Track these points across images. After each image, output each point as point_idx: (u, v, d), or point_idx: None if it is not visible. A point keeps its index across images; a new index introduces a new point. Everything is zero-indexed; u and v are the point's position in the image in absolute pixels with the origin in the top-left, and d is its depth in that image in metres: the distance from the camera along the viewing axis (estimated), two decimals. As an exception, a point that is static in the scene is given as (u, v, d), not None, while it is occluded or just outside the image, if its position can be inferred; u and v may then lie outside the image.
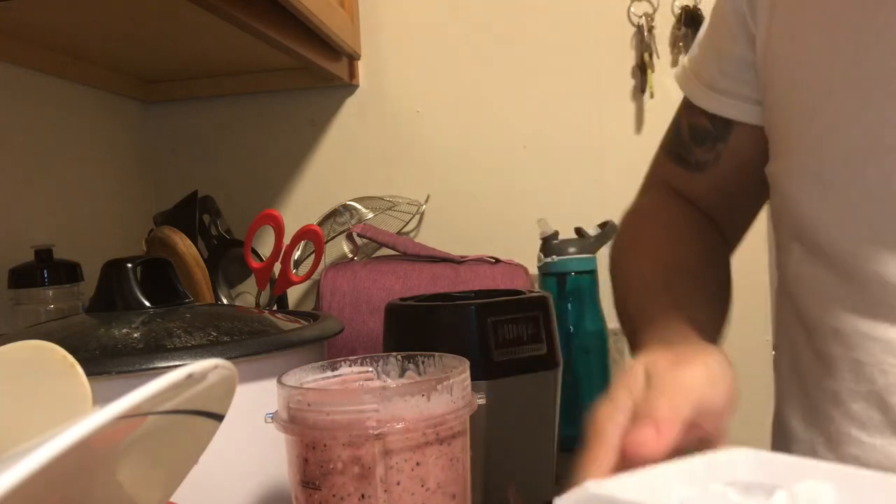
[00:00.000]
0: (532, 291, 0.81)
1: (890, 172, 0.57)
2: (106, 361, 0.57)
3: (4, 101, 1.02)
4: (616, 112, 1.25)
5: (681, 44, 1.22)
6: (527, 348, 0.74)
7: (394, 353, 0.57)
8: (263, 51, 1.04)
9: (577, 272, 1.06)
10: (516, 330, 0.73)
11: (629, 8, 1.23)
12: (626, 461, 0.45)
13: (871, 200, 0.59)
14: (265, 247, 1.17)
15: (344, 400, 0.49)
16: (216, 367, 0.35)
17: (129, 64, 1.22)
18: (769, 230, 1.18)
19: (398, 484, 0.48)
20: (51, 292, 0.92)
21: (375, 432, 0.48)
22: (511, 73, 1.27)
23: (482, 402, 0.53)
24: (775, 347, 1.25)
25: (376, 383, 0.57)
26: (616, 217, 1.11)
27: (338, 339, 0.79)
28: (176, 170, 1.35)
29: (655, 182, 0.80)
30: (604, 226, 1.09)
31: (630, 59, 1.24)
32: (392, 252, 1.13)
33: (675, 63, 1.23)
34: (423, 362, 0.56)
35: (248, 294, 1.19)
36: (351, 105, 1.31)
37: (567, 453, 0.99)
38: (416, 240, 1.25)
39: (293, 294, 1.31)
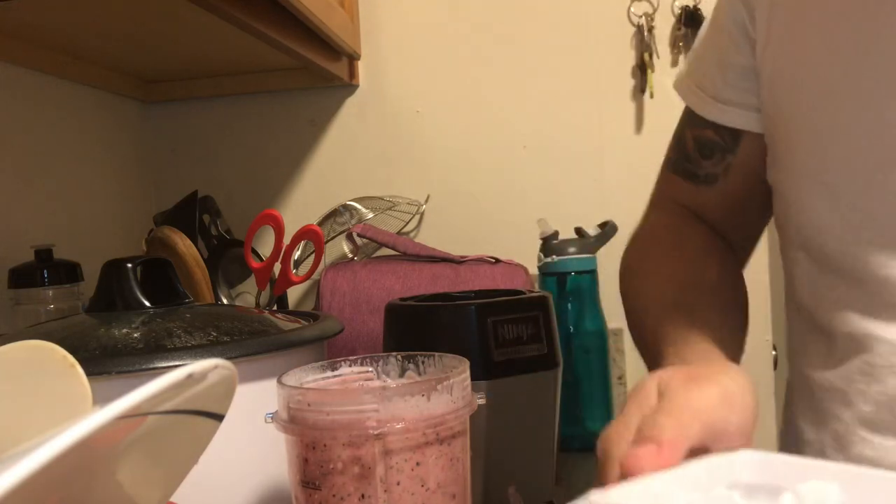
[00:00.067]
0: (532, 291, 0.81)
1: None
2: (106, 361, 0.57)
3: (4, 101, 1.02)
4: (616, 112, 1.25)
5: (681, 44, 1.22)
6: (527, 348, 0.74)
7: (394, 353, 0.57)
8: (263, 51, 1.04)
9: (577, 272, 1.06)
10: (516, 330, 0.73)
11: (629, 8, 1.23)
12: (624, 477, 0.42)
13: (878, 203, 0.59)
14: (265, 247, 1.17)
15: (344, 400, 0.49)
16: (216, 367, 0.35)
17: (129, 64, 1.22)
18: (769, 231, 1.18)
19: (398, 484, 0.48)
20: (51, 292, 0.92)
21: (375, 432, 0.48)
22: (511, 73, 1.27)
23: (482, 402, 0.53)
24: (775, 347, 1.26)
25: (376, 383, 0.57)
26: (616, 217, 1.12)
27: (338, 339, 0.79)
28: (176, 170, 1.35)
29: (662, 201, 0.79)
30: (604, 226, 1.09)
31: (630, 59, 1.24)
32: (392, 252, 1.13)
33: (675, 63, 1.23)
34: (423, 362, 0.56)
35: (248, 294, 1.19)
36: (351, 105, 1.31)
37: (567, 453, 0.99)
38: (416, 240, 1.25)
39: (293, 294, 1.31)
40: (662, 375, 0.48)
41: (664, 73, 1.21)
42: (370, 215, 1.23)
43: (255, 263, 0.95)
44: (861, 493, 0.39)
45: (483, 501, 0.71)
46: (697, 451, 0.43)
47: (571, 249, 1.06)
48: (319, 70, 1.18)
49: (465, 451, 0.52)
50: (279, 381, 0.52)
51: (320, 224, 1.23)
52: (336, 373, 0.56)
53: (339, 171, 1.31)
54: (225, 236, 1.18)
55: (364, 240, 1.13)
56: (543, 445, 0.77)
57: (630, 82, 1.25)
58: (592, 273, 1.07)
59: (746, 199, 0.74)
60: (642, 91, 1.23)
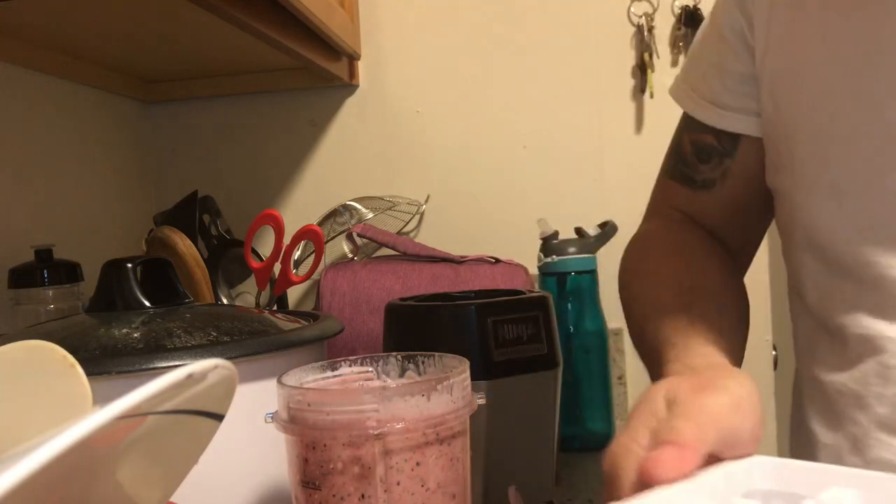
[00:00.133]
0: (532, 291, 0.81)
1: None
2: (106, 361, 0.57)
3: (4, 101, 1.02)
4: (616, 112, 1.25)
5: (681, 44, 1.22)
6: (527, 348, 0.74)
7: (394, 353, 0.57)
8: (263, 51, 1.04)
9: (577, 272, 1.06)
10: (516, 330, 0.73)
11: (629, 8, 1.23)
12: (642, 484, 0.41)
13: (884, 204, 0.59)
14: (265, 247, 1.17)
15: (344, 400, 0.49)
16: (216, 367, 0.35)
17: (129, 64, 1.22)
18: (770, 231, 1.18)
19: (398, 484, 0.48)
20: (51, 292, 0.92)
21: (375, 432, 0.48)
22: (511, 73, 1.27)
23: (482, 402, 0.53)
24: (775, 347, 1.26)
25: (376, 383, 0.57)
26: (616, 217, 1.12)
27: (338, 339, 0.79)
28: (176, 170, 1.35)
29: (659, 208, 0.79)
30: (604, 226, 1.09)
31: (630, 59, 1.24)
32: (392, 252, 1.13)
33: (675, 63, 1.23)
34: (423, 362, 0.56)
35: (248, 294, 1.19)
36: (351, 105, 1.31)
37: (567, 453, 0.99)
38: (416, 240, 1.25)
39: (293, 294, 1.31)
40: (668, 385, 0.47)
41: (664, 73, 1.21)
42: (370, 215, 1.23)
43: (255, 263, 0.95)
44: (880, 498, 0.38)
45: (483, 501, 0.71)
46: (710, 459, 0.43)
47: (571, 249, 1.06)
48: (319, 70, 1.18)
49: (465, 451, 0.52)
50: (279, 381, 0.52)
51: (320, 224, 1.23)
52: (336, 373, 0.56)
53: (339, 171, 1.31)
54: (225, 236, 1.18)
55: (364, 240, 1.13)
56: (543, 445, 0.77)
57: (630, 82, 1.25)
58: (592, 273, 1.07)
59: (745, 203, 0.74)
60: (642, 91, 1.23)
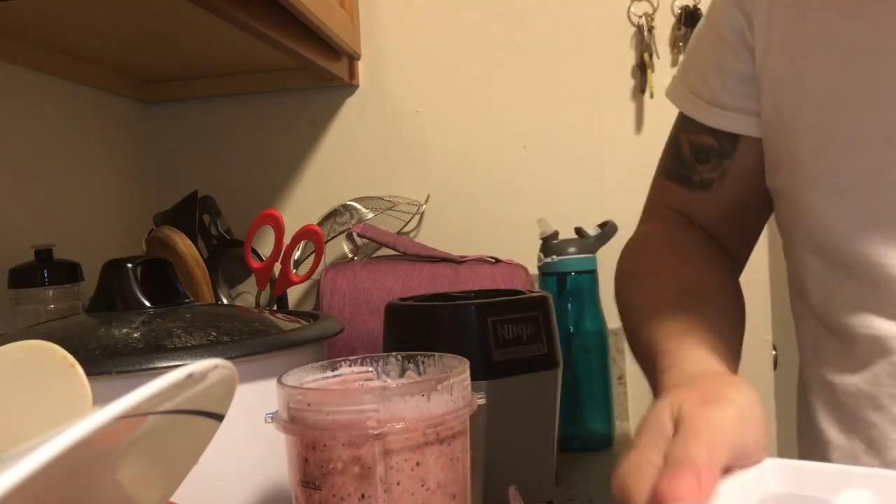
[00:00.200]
0: (532, 291, 0.81)
1: None
2: (106, 361, 0.57)
3: (4, 101, 1.02)
4: (616, 112, 1.25)
5: (681, 44, 1.22)
6: (527, 348, 0.74)
7: (394, 353, 0.57)
8: (263, 51, 1.04)
9: (577, 272, 1.06)
10: (516, 330, 0.73)
11: (629, 8, 1.23)
12: None
13: (889, 204, 0.59)
14: (265, 247, 1.17)
15: (344, 400, 0.49)
16: (216, 367, 0.35)
17: (129, 64, 1.22)
18: (769, 230, 1.18)
19: (398, 484, 0.48)
20: (51, 292, 0.92)
21: (375, 432, 0.48)
22: (511, 73, 1.27)
23: (482, 402, 0.53)
24: (775, 347, 1.25)
25: (376, 383, 0.57)
26: (616, 217, 1.12)
27: (338, 339, 0.79)
28: (176, 170, 1.35)
29: (656, 209, 0.79)
30: (604, 226, 1.09)
31: (630, 59, 1.24)
32: (392, 252, 1.13)
33: (675, 63, 1.23)
34: (423, 362, 0.56)
35: (248, 294, 1.19)
36: (351, 105, 1.31)
37: (567, 453, 0.99)
38: (416, 240, 1.25)
39: (293, 294, 1.31)
40: (672, 401, 0.47)
41: (664, 73, 1.21)
42: (370, 215, 1.23)
43: (255, 263, 0.95)
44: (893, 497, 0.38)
45: (483, 501, 0.71)
46: (722, 473, 0.42)
47: (571, 249, 1.06)
48: (319, 70, 1.18)
49: (465, 451, 0.52)
50: (279, 381, 0.52)
51: (320, 224, 1.23)
52: (336, 373, 0.56)
53: (339, 171, 1.31)
54: (225, 236, 1.18)
55: (364, 240, 1.13)
56: (543, 445, 0.77)
57: (630, 82, 1.25)
58: (592, 273, 1.07)
59: (743, 203, 0.74)
60: (642, 91, 1.23)
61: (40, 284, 0.91)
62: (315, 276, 1.00)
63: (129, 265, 0.68)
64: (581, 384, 1.05)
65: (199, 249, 1.01)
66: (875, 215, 0.60)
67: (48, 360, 0.41)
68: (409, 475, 0.48)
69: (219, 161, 1.34)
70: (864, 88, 0.60)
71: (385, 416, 0.48)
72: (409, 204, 1.27)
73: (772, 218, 0.75)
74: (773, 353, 1.25)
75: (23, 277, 0.91)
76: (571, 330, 1.05)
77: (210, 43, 1.11)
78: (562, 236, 1.08)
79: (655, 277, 0.70)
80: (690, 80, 0.73)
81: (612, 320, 1.07)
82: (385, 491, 0.48)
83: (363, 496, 0.48)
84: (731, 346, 0.61)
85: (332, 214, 1.25)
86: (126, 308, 0.67)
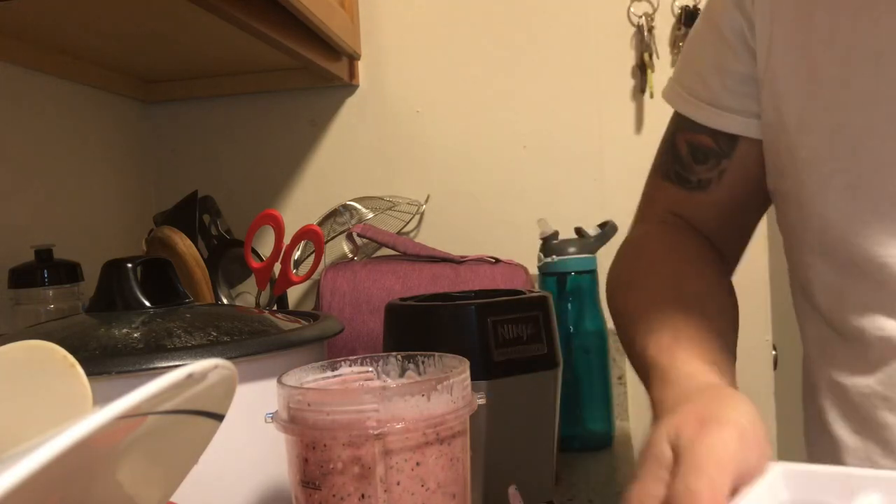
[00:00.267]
0: (532, 291, 0.81)
1: None
2: (106, 361, 0.57)
3: (4, 101, 1.02)
4: (616, 112, 1.25)
5: (680, 44, 1.22)
6: (527, 348, 0.74)
7: (394, 353, 0.57)
8: (263, 51, 1.04)
9: (577, 272, 1.06)
10: (516, 330, 0.73)
11: (629, 8, 1.23)
12: None
13: None
14: (265, 247, 1.17)
15: (344, 400, 0.49)
16: (216, 367, 0.35)
17: (129, 64, 1.22)
18: (769, 230, 1.18)
19: (398, 484, 0.48)
20: (51, 292, 0.92)
21: (375, 432, 0.48)
22: (511, 73, 1.27)
23: (482, 402, 0.53)
24: (775, 347, 1.25)
25: (376, 383, 0.57)
26: (616, 217, 1.12)
27: (338, 339, 0.79)
28: (176, 170, 1.35)
29: (650, 210, 0.78)
30: (604, 226, 1.09)
31: (630, 59, 1.24)
32: (392, 252, 1.13)
33: (675, 63, 1.23)
34: (423, 362, 0.56)
35: (248, 294, 1.19)
36: (351, 105, 1.31)
37: (567, 453, 0.99)
38: (416, 240, 1.25)
39: (293, 294, 1.31)
40: (669, 428, 0.47)
41: (664, 73, 1.21)
42: (370, 215, 1.23)
43: (255, 263, 0.95)
44: None
45: (483, 501, 0.71)
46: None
47: (571, 249, 1.06)
48: (319, 70, 1.18)
49: (465, 451, 0.52)
50: (279, 381, 0.52)
51: (320, 224, 1.23)
52: (336, 373, 0.56)
53: (339, 171, 1.31)
54: (225, 236, 1.18)
55: (364, 240, 1.13)
56: (543, 445, 0.77)
57: (630, 82, 1.25)
58: (592, 273, 1.07)
59: (741, 203, 0.73)
60: (642, 91, 1.23)
61: (40, 284, 0.91)
62: (315, 276, 1.00)
63: (129, 265, 0.68)
64: (581, 384, 1.05)
65: (199, 249, 1.01)
66: (885, 215, 0.59)
67: (48, 360, 0.41)
68: (409, 475, 0.48)
69: (219, 161, 1.34)
70: (871, 89, 0.60)
71: (385, 416, 0.48)
72: (409, 204, 1.27)
73: (772, 218, 0.75)
74: (773, 353, 1.25)
75: (23, 277, 0.91)
76: (571, 330, 1.05)
77: (210, 43, 1.11)
78: (562, 236, 1.08)
79: (649, 282, 0.70)
80: (687, 81, 0.73)
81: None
82: (385, 491, 0.48)
83: (363, 496, 0.48)
84: (725, 351, 0.60)
85: (332, 214, 1.25)
86: (126, 308, 0.67)
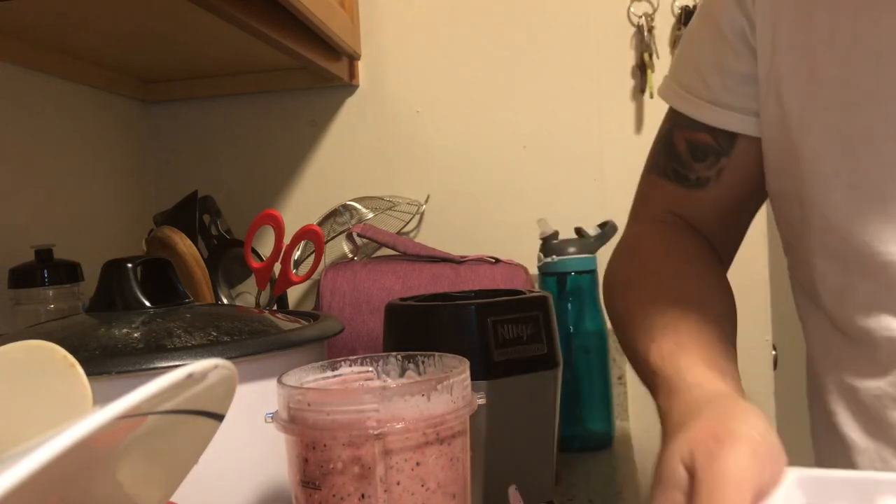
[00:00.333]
0: (532, 291, 0.81)
1: None
2: (106, 361, 0.57)
3: (4, 100, 1.02)
4: (616, 112, 1.25)
5: (681, 44, 1.22)
6: (527, 348, 0.74)
7: (394, 353, 0.57)
8: (263, 51, 1.04)
9: (577, 272, 1.06)
10: (516, 330, 0.73)
11: (629, 8, 1.23)
12: None
13: None
14: (265, 247, 1.17)
15: (344, 400, 0.49)
16: (216, 366, 0.35)
17: (129, 64, 1.22)
18: (769, 230, 1.18)
19: (398, 484, 0.48)
20: (51, 292, 0.92)
21: (375, 432, 0.48)
22: (511, 73, 1.27)
23: (482, 402, 0.53)
24: (775, 347, 1.25)
25: (376, 383, 0.57)
26: (616, 217, 1.12)
27: (338, 339, 0.79)
28: (176, 170, 1.35)
29: (647, 209, 0.77)
30: (604, 226, 1.09)
31: (630, 59, 1.24)
32: (392, 252, 1.13)
33: (675, 63, 1.23)
34: (423, 362, 0.56)
35: (248, 294, 1.19)
36: (351, 105, 1.31)
37: (567, 453, 0.99)
38: (416, 240, 1.25)
39: (293, 294, 1.31)
40: (681, 447, 0.46)
41: (664, 74, 1.20)
42: (370, 215, 1.23)
43: (255, 263, 0.95)
44: None
45: (483, 501, 0.71)
46: None
47: (571, 249, 1.06)
48: (319, 70, 1.18)
49: (465, 451, 0.52)
50: (279, 381, 0.52)
51: (320, 224, 1.23)
52: (336, 373, 0.56)
53: (339, 171, 1.31)
54: (225, 236, 1.18)
55: (364, 240, 1.13)
56: (543, 445, 0.77)
57: (630, 82, 1.25)
58: (592, 273, 1.07)
59: (738, 201, 0.73)
60: (642, 91, 1.23)
61: (40, 284, 0.91)
62: (315, 276, 1.00)
63: (129, 265, 0.68)
64: (581, 384, 1.05)
65: (199, 249, 1.01)
66: (888, 213, 0.59)
67: (48, 360, 0.41)
68: (409, 475, 0.48)
69: (219, 161, 1.34)
70: (870, 88, 0.60)
71: (385, 416, 0.48)
72: (409, 204, 1.27)
73: (772, 218, 0.75)
74: (773, 353, 1.25)
75: (23, 277, 0.91)
76: (571, 330, 1.05)
77: (210, 43, 1.11)
78: (562, 236, 1.08)
79: (648, 283, 0.69)
80: (685, 79, 0.73)
81: (612, 320, 1.08)
82: (385, 491, 0.48)
83: (363, 496, 0.48)
84: (727, 354, 0.60)
85: (332, 214, 1.25)
86: (126, 308, 0.67)
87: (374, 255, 1.18)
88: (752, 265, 1.20)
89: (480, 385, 0.69)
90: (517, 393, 0.73)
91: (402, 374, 0.57)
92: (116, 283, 0.68)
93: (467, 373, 0.52)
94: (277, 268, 0.95)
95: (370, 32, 1.28)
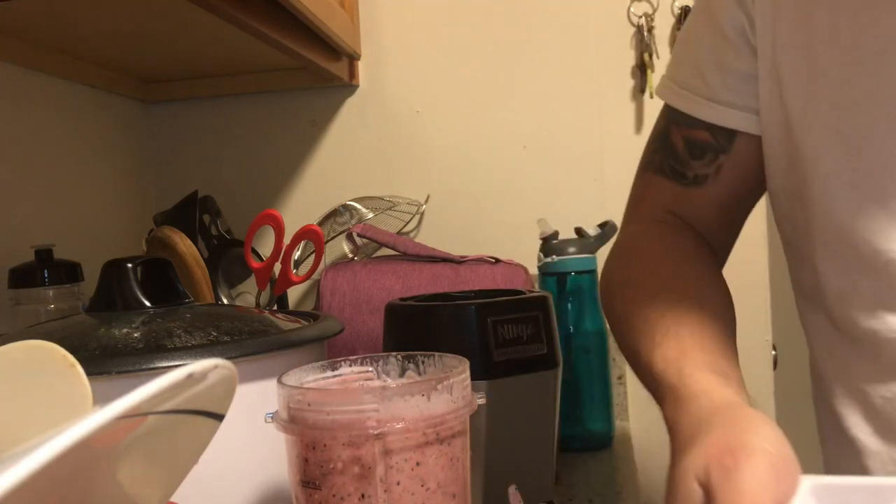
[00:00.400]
0: (532, 291, 0.81)
1: None
2: (106, 361, 0.57)
3: (4, 100, 1.02)
4: (616, 112, 1.25)
5: (681, 44, 1.22)
6: (527, 348, 0.74)
7: (394, 353, 0.57)
8: (263, 51, 1.04)
9: (577, 272, 1.06)
10: (516, 330, 0.73)
11: (629, 8, 1.23)
12: None
13: None
14: (265, 247, 1.17)
15: (344, 400, 0.49)
16: (216, 366, 0.35)
17: (129, 64, 1.22)
18: (769, 230, 1.18)
19: (398, 484, 0.48)
20: (51, 292, 0.92)
21: (375, 432, 0.48)
22: (511, 73, 1.27)
23: (482, 402, 0.53)
24: (775, 347, 1.25)
25: (376, 383, 0.57)
26: (616, 217, 1.11)
27: (338, 339, 0.79)
28: (176, 170, 1.35)
29: (643, 207, 0.77)
30: (604, 226, 1.09)
31: (630, 59, 1.24)
32: (392, 252, 1.13)
33: (675, 63, 1.23)
34: (423, 362, 0.56)
35: (248, 294, 1.19)
36: (351, 105, 1.31)
37: (567, 453, 0.99)
38: (416, 240, 1.25)
39: (293, 294, 1.31)
40: (695, 463, 0.45)
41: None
42: (370, 215, 1.23)
43: (255, 263, 0.95)
44: None
45: (483, 501, 0.71)
46: None
47: (571, 249, 1.06)
48: (319, 70, 1.18)
49: (465, 451, 0.52)
50: (279, 381, 0.52)
51: (320, 224, 1.23)
52: (336, 373, 0.56)
53: (339, 171, 1.31)
54: (225, 236, 1.18)
55: (364, 240, 1.13)
56: (543, 445, 0.77)
57: (630, 82, 1.25)
58: (592, 273, 1.07)
59: (736, 199, 0.73)
60: (642, 91, 1.23)
61: (40, 284, 0.91)
62: (315, 276, 1.00)
63: (129, 265, 0.68)
64: (581, 384, 1.05)
65: (199, 249, 1.01)
66: (893, 211, 0.59)
67: (48, 360, 0.41)
68: (409, 475, 0.48)
69: (219, 161, 1.34)
70: (872, 87, 0.60)
71: (385, 416, 0.48)
72: (409, 204, 1.27)
73: (772, 218, 0.75)
74: (773, 353, 1.25)
75: (23, 277, 0.91)
76: (571, 330, 1.05)
77: (210, 43, 1.11)
78: (562, 236, 1.08)
79: (648, 284, 0.68)
80: (683, 77, 0.72)
81: (612, 320, 1.08)
82: (385, 491, 0.48)
83: (363, 496, 0.48)
84: (730, 357, 0.59)
85: (332, 214, 1.25)
86: (126, 308, 0.67)
87: (374, 255, 1.18)
88: (752, 265, 1.20)
89: (480, 385, 0.69)
90: (517, 393, 0.73)
91: (402, 374, 0.57)
92: (116, 283, 0.68)
93: (467, 373, 0.52)
94: (277, 268, 0.95)
95: (370, 32, 1.29)
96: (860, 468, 0.66)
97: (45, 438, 0.28)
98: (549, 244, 1.08)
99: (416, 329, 0.75)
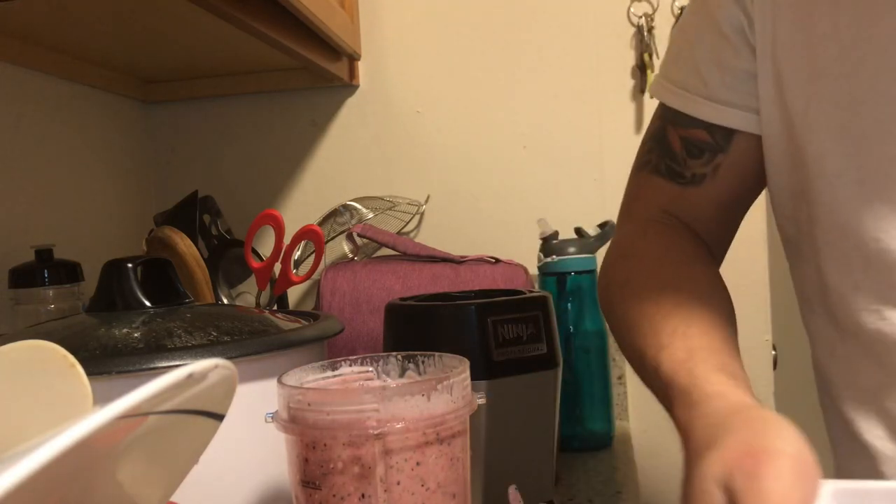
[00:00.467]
0: (532, 291, 0.81)
1: None
2: (106, 361, 0.57)
3: (4, 100, 1.02)
4: (616, 112, 1.25)
5: (681, 44, 1.22)
6: (527, 348, 0.74)
7: (394, 353, 0.57)
8: (263, 51, 1.04)
9: (577, 272, 1.06)
10: (516, 330, 0.73)
11: (629, 8, 1.23)
12: None
13: None
14: (265, 247, 1.17)
15: (344, 400, 0.49)
16: (216, 366, 0.35)
17: (129, 64, 1.22)
18: (769, 230, 1.18)
19: (398, 484, 0.48)
20: (51, 292, 0.92)
21: (375, 432, 0.48)
22: (511, 72, 1.27)
23: (482, 402, 0.53)
24: (775, 347, 1.25)
25: (376, 383, 0.57)
26: (616, 217, 1.11)
27: (338, 339, 0.79)
28: (176, 170, 1.35)
29: (639, 207, 0.76)
30: (604, 226, 1.09)
31: (630, 59, 1.24)
32: (392, 252, 1.13)
33: (675, 63, 1.23)
34: (423, 362, 0.56)
35: (248, 294, 1.19)
36: (351, 105, 1.31)
37: (567, 453, 0.99)
38: (416, 240, 1.25)
39: (293, 294, 1.31)
40: (714, 467, 0.44)
41: (664, 73, 1.21)
42: (370, 215, 1.23)
43: (255, 263, 0.96)
44: None
45: (483, 501, 0.71)
46: None
47: (571, 249, 1.06)
48: (319, 70, 1.18)
49: (465, 450, 0.52)
50: (279, 381, 0.52)
51: (320, 224, 1.23)
52: (336, 373, 0.56)
53: (339, 171, 1.31)
54: (225, 236, 1.18)
55: (364, 240, 1.13)
56: (543, 445, 0.77)
57: (630, 82, 1.25)
58: (592, 273, 1.07)
59: (734, 198, 0.73)
60: (642, 91, 1.23)
61: (40, 284, 0.91)
62: (315, 276, 1.00)
63: (129, 265, 0.68)
64: (581, 384, 1.05)
65: (199, 249, 1.01)
66: None
67: (48, 360, 0.41)
68: (409, 475, 0.49)
69: (219, 161, 1.34)
70: (873, 86, 0.60)
71: (385, 415, 0.48)
72: (409, 204, 1.27)
73: (772, 218, 0.74)
74: (773, 353, 1.25)
75: (23, 277, 0.91)
76: (571, 330, 1.05)
77: (210, 43, 1.11)
78: (562, 236, 1.08)
79: (648, 285, 0.68)
80: (679, 75, 0.72)
81: (612, 320, 1.08)
82: (385, 491, 0.48)
83: (363, 496, 0.48)
84: (735, 357, 0.59)
85: (332, 214, 1.25)
86: (126, 308, 0.67)
87: (374, 255, 1.18)
88: (752, 265, 1.20)
89: (480, 385, 0.69)
90: (517, 393, 0.73)
91: (402, 374, 0.57)
92: (116, 283, 0.68)
93: (467, 373, 0.52)
94: (277, 268, 0.95)
95: (370, 32, 1.29)
96: (875, 474, 0.65)
97: (45, 438, 0.28)
98: (549, 244, 1.08)
99: (416, 329, 0.75)
